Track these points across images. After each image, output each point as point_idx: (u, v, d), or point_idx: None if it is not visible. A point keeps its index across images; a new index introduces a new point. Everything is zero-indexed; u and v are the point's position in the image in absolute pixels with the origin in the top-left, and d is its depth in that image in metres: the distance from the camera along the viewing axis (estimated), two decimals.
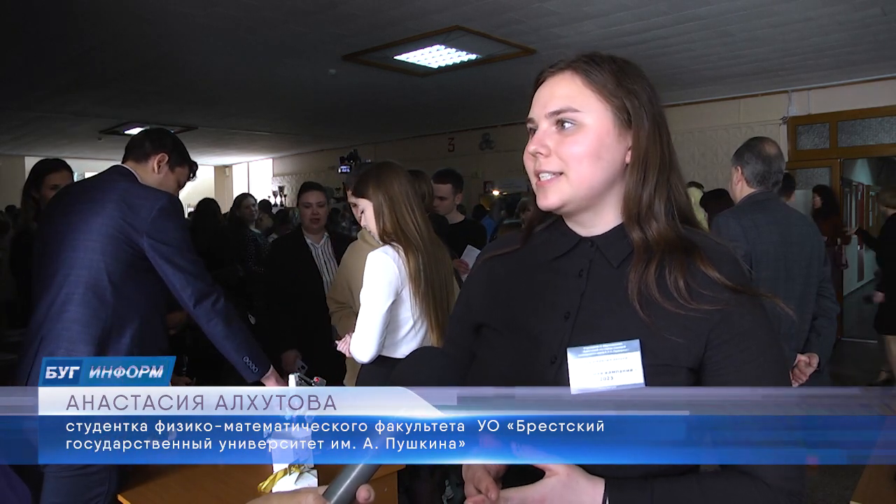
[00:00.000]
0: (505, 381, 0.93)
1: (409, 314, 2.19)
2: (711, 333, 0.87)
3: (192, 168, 2.26)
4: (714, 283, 0.88)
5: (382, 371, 2.18)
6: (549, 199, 0.92)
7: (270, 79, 6.34)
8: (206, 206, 5.35)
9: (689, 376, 0.88)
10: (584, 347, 0.89)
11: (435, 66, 5.85)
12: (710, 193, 4.44)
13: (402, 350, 2.22)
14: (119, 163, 2.12)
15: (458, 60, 5.69)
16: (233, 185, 14.15)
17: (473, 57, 5.59)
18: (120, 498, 1.86)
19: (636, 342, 0.87)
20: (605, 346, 0.88)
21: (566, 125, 0.90)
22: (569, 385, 0.88)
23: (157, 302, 2.02)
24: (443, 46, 5.24)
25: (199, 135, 9.89)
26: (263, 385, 2.02)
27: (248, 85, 6.59)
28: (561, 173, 0.91)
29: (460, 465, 0.95)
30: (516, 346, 0.96)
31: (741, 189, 2.55)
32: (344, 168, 9.30)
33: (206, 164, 14.39)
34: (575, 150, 0.90)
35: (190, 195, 14.96)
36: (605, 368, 0.87)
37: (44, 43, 4.91)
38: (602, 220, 0.95)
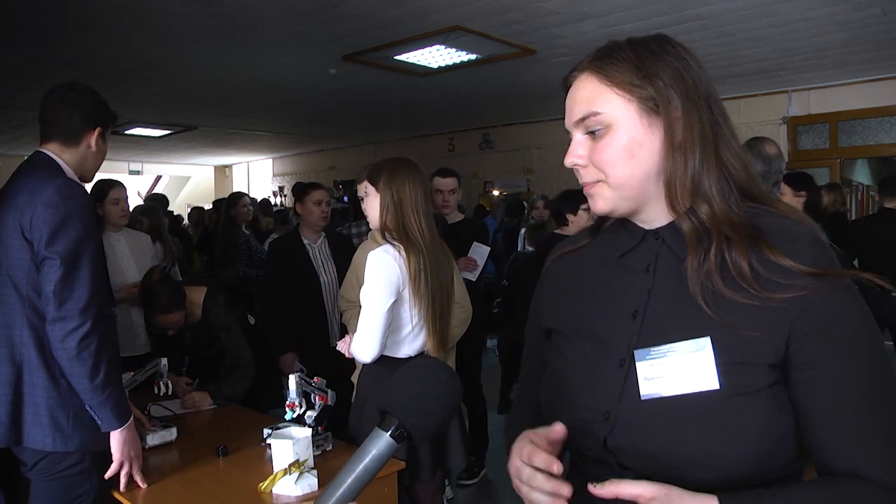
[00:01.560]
0: (572, 387, 0.90)
1: (409, 314, 2.18)
2: (793, 325, 0.78)
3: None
4: (788, 269, 0.79)
5: (384, 370, 2.17)
6: (598, 205, 0.89)
7: (270, 79, 6.33)
8: (220, 206, 5.53)
9: (771, 374, 0.79)
10: (653, 348, 0.84)
11: (435, 66, 5.84)
12: None
13: (404, 350, 2.22)
14: (44, 147, 1.86)
15: (458, 60, 5.68)
16: (233, 185, 14.13)
17: (473, 57, 5.58)
18: (120, 498, 1.86)
19: (706, 340, 0.80)
20: (673, 345, 0.82)
21: (595, 130, 0.86)
22: (638, 389, 0.83)
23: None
24: (443, 46, 5.23)
25: (199, 135, 9.88)
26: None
27: (248, 85, 6.58)
28: (600, 181, 0.87)
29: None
30: (584, 349, 0.91)
31: None
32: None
33: (206, 164, 14.39)
34: (606, 156, 0.85)
35: (190, 195, 15.05)
36: (675, 370, 0.81)
37: (44, 43, 4.90)
38: (662, 213, 0.88)
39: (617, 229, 0.96)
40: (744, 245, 0.81)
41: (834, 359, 0.78)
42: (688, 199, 0.85)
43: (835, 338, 0.78)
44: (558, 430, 0.82)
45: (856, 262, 4.41)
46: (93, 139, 1.88)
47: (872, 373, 0.78)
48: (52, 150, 1.85)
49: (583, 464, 0.89)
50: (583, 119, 0.86)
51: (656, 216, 0.89)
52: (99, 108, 1.90)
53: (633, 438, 0.83)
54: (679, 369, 0.81)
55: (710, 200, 0.84)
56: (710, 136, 0.85)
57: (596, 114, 0.85)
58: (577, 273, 0.99)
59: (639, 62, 0.85)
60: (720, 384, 0.79)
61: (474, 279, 3.53)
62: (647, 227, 0.91)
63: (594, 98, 0.86)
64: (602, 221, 0.99)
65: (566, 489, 0.77)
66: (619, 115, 0.84)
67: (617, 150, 0.85)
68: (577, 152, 0.88)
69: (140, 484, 1.85)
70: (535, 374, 1.03)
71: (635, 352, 0.85)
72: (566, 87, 0.91)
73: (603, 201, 0.88)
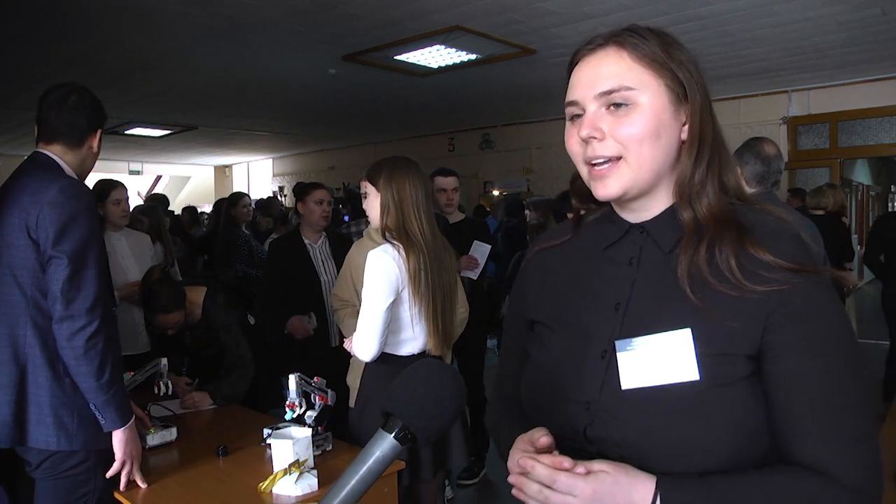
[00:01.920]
0: (555, 378, 0.90)
1: (409, 314, 2.18)
2: (770, 317, 0.79)
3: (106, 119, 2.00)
4: (769, 264, 0.81)
5: (386, 368, 2.17)
6: (610, 188, 0.85)
7: (270, 79, 6.33)
8: (221, 206, 5.65)
9: (748, 365, 0.80)
10: (634, 340, 0.84)
11: (435, 66, 5.84)
12: None
13: (406, 348, 2.22)
14: (44, 148, 1.86)
15: (458, 60, 5.68)
16: (233, 185, 14.12)
17: (473, 57, 5.58)
18: (119, 497, 1.86)
19: (687, 331, 0.81)
20: (655, 336, 0.83)
21: (620, 105, 0.83)
22: (620, 380, 0.84)
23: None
24: (443, 46, 5.24)
25: (199, 135, 9.88)
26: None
27: (248, 85, 6.59)
28: (619, 158, 0.84)
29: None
30: (567, 340, 0.91)
31: None
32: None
33: (206, 164, 14.39)
34: (633, 131, 0.83)
35: (190, 195, 15.04)
36: (656, 361, 0.82)
37: (44, 43, 4.91)
38: (655, 204, 0.89)
39: (600, 222, 0.96)
40: (733, 238, 0.83)
41: (805, 353, 0.79)
42: (694, 191, 0.86)
43: (809, 333, 0.79)
44: (544, 442, 0.83)
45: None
46: (95, 141, 1.91)
47: (841, 370, 0.80)
48: (55, 152, 1.85)
49: (562, 452, 0.89)
50: (610, 91, 0.84)
51: (651, 207, 0.90)
52: (99, 109, 1.92)
53: (613, 429, 0.83)
54: (660, 360, 0.82)
55: (710, 195, 0.86)
56: (719, 135, 0.88)
57: (628, 88, 0.83)
58: (559, 265, 0.99)
59: (668, 47, 0.86)
60: (700, 375, 0.80)
61: (475, 277, 3.53)
62: (633, 219, 0.91)
63: (625, 73, 0.84)
64: (582, 215, 1.00)
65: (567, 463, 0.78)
66: (651, 94, 0.84)
67: (647, 127, 0.83)
68: (597, 124, 0.84)
69: (140, 483, 1.85)
70: (516, 366, 1.04)
71: (616, 343, 0.85)
72: (575, 62, 0.90)
73: (618, 182, 0.85)
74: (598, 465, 0.77)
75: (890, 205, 13.44)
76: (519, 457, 0.81)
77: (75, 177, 1.86)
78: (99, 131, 1.91)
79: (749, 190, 2.50)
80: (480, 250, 3.60)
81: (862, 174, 10.95)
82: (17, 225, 1.71)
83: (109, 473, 1.80)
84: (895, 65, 6.08)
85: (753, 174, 2.50)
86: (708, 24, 4.73)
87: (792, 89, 7.01)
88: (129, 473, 1.83)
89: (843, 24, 4.78)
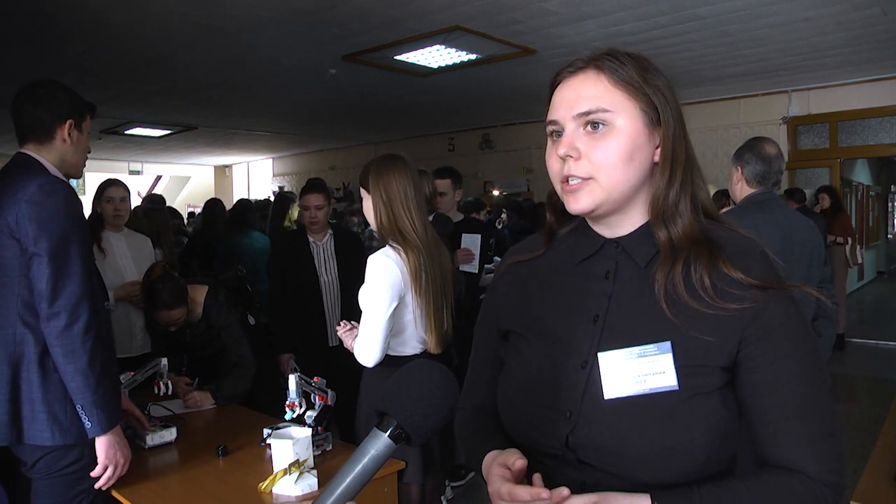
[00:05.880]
0: (534, 388, 0.93)
1: (412, 315, 2.18)
2: (745, 331, 0.85)
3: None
4: (739, 281, 0.86)
5: (388, 371, 2.17)
6: (581, 203, 0.89)
7: (270, 79, 6.34)
8: (213, 206, 5.75)
9: (722, 376, 0.86)
10: (615, 351, 0.87)
11: (435, 66, 5.84)
12: (717, 193, 4.58)
13: (408, 348, 2.22)
14: (22, 148, 1.84)
15: (458, 60, 5.68)
16: (233, 185, 14.13)
17: (473, 57, 5.58)
18: (119, 497, 1.86)
19: (667, 344, 0.85)
20: (636, 348, 0.86)
21: (598, 127, 0.87)
22: (601, 389, 0.87)
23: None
24: (443, 46, 5.24)
25: (199, 135, 9.88)
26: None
27: (248, 85, 6.59)
28: (591, 178, 0.88)
29: (461, 466, 0.95)
30: (545, 351, 0.94)
31: (741, 189, 2.55)
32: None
33: (206, 164, 14.39)
34: (608, 155, 0.87)
35: (190, 195, 15.03)
36: (637, 371, 0.86)
37: (44, 43, 4.91)
38: (629, 221, 0.93)
39: (574, 236, 0.99)
40: (706, 258, 0.87)
41: (777, 364, 0.85)
42: (668, 212, 0.90)
43: (779, 345, 0.85)
44: (520, 465, 0.85)
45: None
46: (65, 132, 1.85)
47: (809, 378, 0.86)
48: (30, 150, 1.84)
49: (543, 459, 0.92)
50: (588, 113, 0.87)
51: (624, 224, 0.93)
52: (67, 100, 1.86)
53: (595, 436, 0.86)
54: (640, 371, 0.86)
55: (684, 216, 0.90)
56: (692, 157, 0.92)
57: (605, 110, 0.87)
58: (533, 278, 1.01)
59: (645, 72, 0.89)
60: (679, 385, 0.84)
61: (475, 271, 3.52)
62: (608, 234, 0.94)
63: (604, 96, 0.87)
64: (554, 230, 1.02)
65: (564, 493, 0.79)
66: (627, 118, 0.87)
67: (621, 151, 0.87)
68: (575, 144, 0.88)
69: (103, 483, 1.80)
70: (486, 376, 1.06)
71: (599, 354, 0.88)
72: (557, 82, 0.93)
73: (589, 198, 0.88)
74: (585, 497, 0.79)
75: (890, 204, 13.45)
76: (498, 485, 0.84)
77: (59, 174, 1.84)
78: (69, 122, 1.85)
79: (750, 189, 2.52)
80: (471, 240, 3.59)
81: (862, 174, 10.95)
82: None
83: (93, 474, 1.79)
84: (895, 65, 6.08)
85: (755, 174, 2.50)
86: (708, 24, 4.73)
87: (792, 89, 7.01)
88: (110, 478, 1.80)
89: (843, 24, 4.78)
